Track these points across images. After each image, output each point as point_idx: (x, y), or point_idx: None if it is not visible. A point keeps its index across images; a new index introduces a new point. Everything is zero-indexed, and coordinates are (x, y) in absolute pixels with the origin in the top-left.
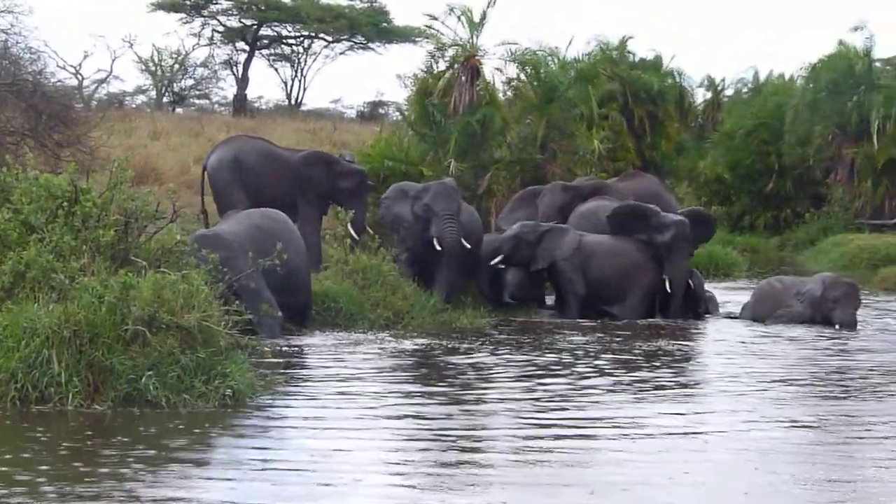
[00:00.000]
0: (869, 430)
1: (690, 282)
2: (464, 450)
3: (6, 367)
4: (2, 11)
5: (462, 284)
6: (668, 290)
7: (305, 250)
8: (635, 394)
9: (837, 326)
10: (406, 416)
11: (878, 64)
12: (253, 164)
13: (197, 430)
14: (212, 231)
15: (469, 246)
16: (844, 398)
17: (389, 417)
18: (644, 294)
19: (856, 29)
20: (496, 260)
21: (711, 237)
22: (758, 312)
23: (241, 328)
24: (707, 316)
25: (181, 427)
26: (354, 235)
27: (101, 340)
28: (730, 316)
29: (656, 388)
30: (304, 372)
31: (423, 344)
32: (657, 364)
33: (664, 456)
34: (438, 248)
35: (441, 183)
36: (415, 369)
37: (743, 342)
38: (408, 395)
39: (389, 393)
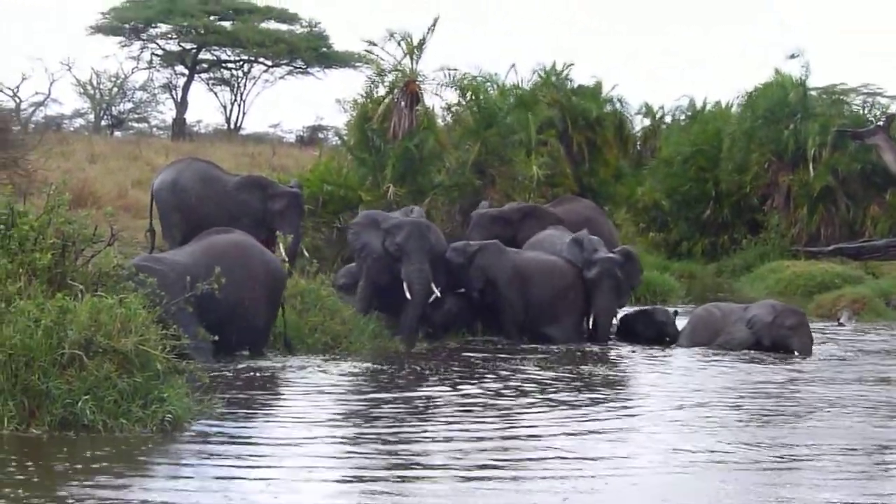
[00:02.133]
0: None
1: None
2: (400, 480)
3: None
4: None
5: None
6: (592, 326)
7: (265, 278)
8: (572, 430)
9: (797, 354)
10: (342, 443)
11: (813, 93)
12: (191, 187)
13: (134, 455)
14: (154, 256)
15: (439, 294)
16: (792, 429)
17: (326, 444)
18: (579, 316)
19: (792, 57)
20: (434, 295)
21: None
22: (695, 339)
23: (176, 353)
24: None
25: (117, 452)
26: (285, 257)
27: (38, 364)
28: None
29: (592, 420)
30: (242, 397)
31: (360, 370)
32: (598, 396)
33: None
34: (408, 295)
35: (416, 223)
36: (352, 397)
37: (688, 369)
38: (345, 421)
39: (325, 420)
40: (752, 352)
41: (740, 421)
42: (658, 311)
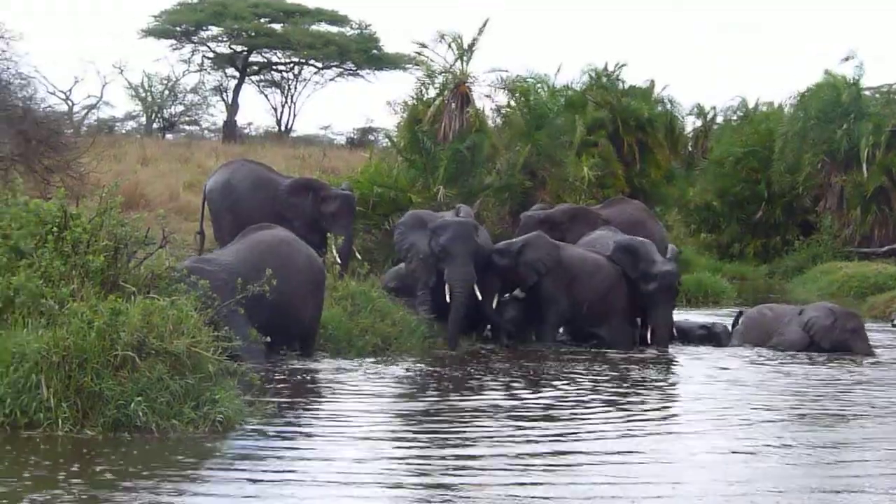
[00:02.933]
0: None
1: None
2: (449, 486)
3: None
4: None
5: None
6: (651, 336)
7: (310, 274)
8: (624, 434)
9: (860, 356)
10: (394, 448)
11: (866, 92)
12: (242, 189)
13: (186, 456)
14: (204, 258)
15: (480, 297)
16: (861, 448)
17: (378, 449)
18: (627, 317)
19: (846, 59)
20: (494, 303)
21: None
22: (747, 340)
23: (228, 354)
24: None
25: (169, 453)
26: (338, 260)
27: (91, 366)
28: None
29: (648, 434)
30: (293, 400)
31: (411, 374)
32: (654, 406)
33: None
34: (448, 298)
35: (462, 223)
36: (403, 402)
37: (749, 377)
38: (394, 424)
39: (377, 425)
40: (808, 354)
41: (805, 436)
42: (717, 325)
